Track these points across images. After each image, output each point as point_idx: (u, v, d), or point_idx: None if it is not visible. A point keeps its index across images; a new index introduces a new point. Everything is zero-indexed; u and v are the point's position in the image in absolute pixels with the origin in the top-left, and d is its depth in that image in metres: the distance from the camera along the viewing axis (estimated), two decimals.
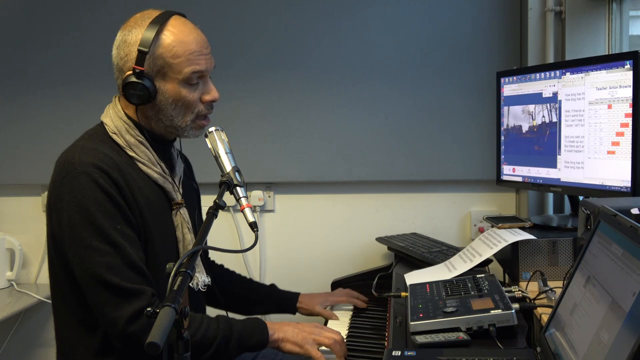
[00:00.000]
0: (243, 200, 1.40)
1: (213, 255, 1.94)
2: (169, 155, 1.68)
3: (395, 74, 2.54)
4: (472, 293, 1.55)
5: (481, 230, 2.52)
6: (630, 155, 1.72)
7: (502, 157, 2.24)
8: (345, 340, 1.70)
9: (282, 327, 1.63)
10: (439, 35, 2.52)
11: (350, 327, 1.90)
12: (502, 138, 2.23)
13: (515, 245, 1.77)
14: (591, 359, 1.02)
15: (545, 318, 1.37)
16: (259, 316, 1.69)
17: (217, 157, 1.48)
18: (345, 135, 2.58)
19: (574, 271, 1.26)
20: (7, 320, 2.57)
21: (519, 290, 1.59)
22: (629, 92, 1.72)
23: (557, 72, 1.97)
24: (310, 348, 1.60)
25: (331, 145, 2.59)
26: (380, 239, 2.42)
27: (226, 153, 1.48)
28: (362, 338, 1.81)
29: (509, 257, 1.82)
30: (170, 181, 1.63)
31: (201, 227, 1.29)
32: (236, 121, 2.56)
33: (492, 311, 1.40)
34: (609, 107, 1.79)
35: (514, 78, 2.17)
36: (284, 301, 2.01)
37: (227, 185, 1.41)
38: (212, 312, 1.75)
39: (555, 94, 1.98)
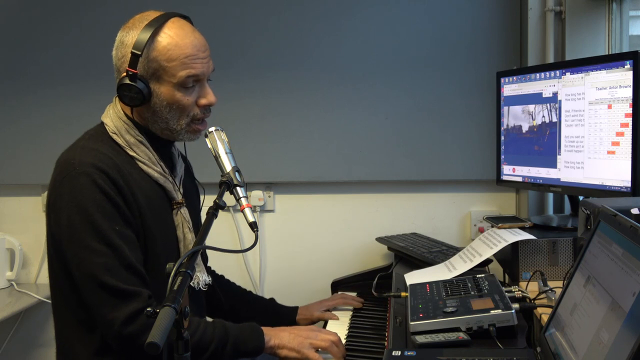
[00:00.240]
0: (243, 200, 1.40)
1: (213, 258, 1.93)
2: (169, 155, 1.68)
3: (395, 74, 2.54)
4: (472, 293, 1.55)
5: (481, 230, 2.52)
6: (630, 155, 1.72)
7: (502, 157, 2.24)
8: (344, 341, 1.70)
9: (278, 333, 1.62)
10: (439, 35, 2.52)
11: (350, 327, 1.90)
12: (502, 138, 2.23)
13: (515, 245, 1.77)
14: (591, 359, 1.02)
15: (545, 318, 1.37)
16: None
17: (217, 157, 1.48)
18: (345, 135, 2.58)
19: (574, 271, 1.26)
20: (7, 320, 2.57)
21: (519, 290, 1.59)
22: (629, 92, 1.72)
23: (557, 72, 1.97)
24: (308, 352, 1.59)
25: (331, 145, 2.59)
26: (380, 239, 2.42)
27: (226, 153, 1.48)
28: (362, 338, 1.81)
29: (509, 257, 1.82)
30: (171, 180, 1.63)
31: (201, 227, 1.29)
32: (236, 121, 2.56)
33: (492, 311, 1.40)
34: (609, 107, 1.79)
35: (514, 78, 2.17)
36: (283, 316, 1.99)
37: (227, 185, 1.41)
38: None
39: (555, 94, 1.98)
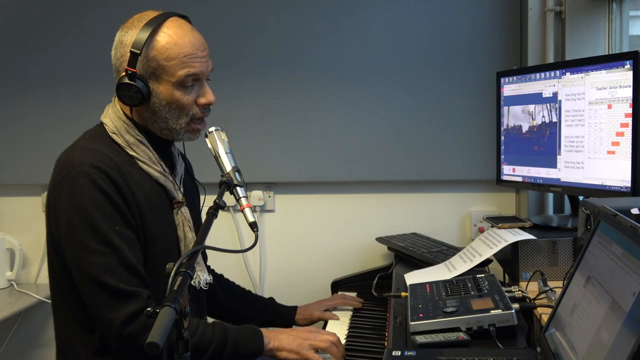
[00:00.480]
0: (243, 200, 1.40)
1: (213, 258, 1.93)
2: (169, 154, 1.68)
3: (395, 74, 2.54)
4: (472, 293, 1.54)
5: (481, 230, 2.52)
6: (630, 155, 1.72)
7: (502, 157, 2.24)
8: (344, 341, 1.70)
9: (277, 335, 1.62)
10: (439, 35, 2.52)
11: (350, 327, 1.90)
12: (502, 138, 2.23)
13: (515, 245, 1.77)
14: (591, 359, 1.02)
15: (545, 318, 1.37)
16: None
17: (217, 157, 1.48)
18: (345, 135, 2.58)
19: (574, 271, 1.26)
20: (7, 320, 2.57)
21: (519, 290, 1.59)
22: (629, 92, 1.72)
23: (557, 72, 1.97)
24: (307, 353, 1.59)
25: (331, 145, 2.59)
26: (380, 239, 2.42)
27: (226, 153, 1.48)
28: (362, 338, 1.81)
29: (509, 257, 1.82)
30: (171, 180, 1.63)
31: (201, 227, 1.29)
32: (236, 121, 2.56)
33: (492, 311, 1.40)
34: (609, 107, 1.79)
35: (514, 78, 2.17)
36: (282, 315, 1.99)
37: (227, 185, 1.41)
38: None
39: (555, 94, 1.98)
